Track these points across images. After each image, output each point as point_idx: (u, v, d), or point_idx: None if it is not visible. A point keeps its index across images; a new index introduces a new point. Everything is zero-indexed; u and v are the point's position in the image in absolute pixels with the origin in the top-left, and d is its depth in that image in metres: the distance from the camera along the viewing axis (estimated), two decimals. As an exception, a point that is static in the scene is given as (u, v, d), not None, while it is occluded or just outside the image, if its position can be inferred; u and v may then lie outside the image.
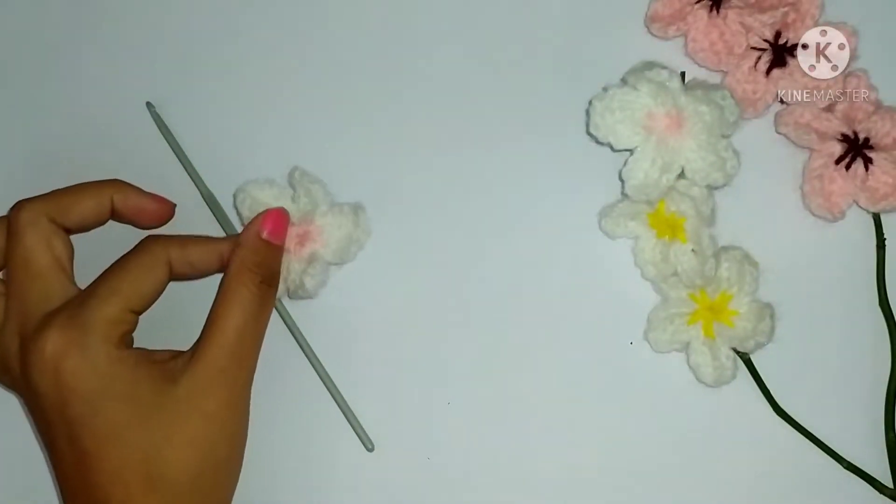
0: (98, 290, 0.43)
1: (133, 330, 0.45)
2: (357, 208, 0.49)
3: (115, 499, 0.42)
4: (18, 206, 0.45)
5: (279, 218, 0.46)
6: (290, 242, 0.47)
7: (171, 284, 0.46)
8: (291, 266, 0.47)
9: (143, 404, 0.42)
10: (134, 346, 0.45)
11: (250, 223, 0.46)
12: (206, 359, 0.43)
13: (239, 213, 0.49)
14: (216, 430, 0.43)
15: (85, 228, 0.47)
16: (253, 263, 0.45)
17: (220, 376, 0.43)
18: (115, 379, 0.42)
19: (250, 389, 0.45)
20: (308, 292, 0.47)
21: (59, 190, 0.46)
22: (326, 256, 0.48)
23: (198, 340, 0.44)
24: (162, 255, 0.45)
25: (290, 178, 0.48)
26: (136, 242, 0.46)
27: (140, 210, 0.47)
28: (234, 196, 0.48)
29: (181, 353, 0.45)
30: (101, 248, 0.47)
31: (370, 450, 0.48)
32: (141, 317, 0.45)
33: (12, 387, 0.46)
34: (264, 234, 0.45)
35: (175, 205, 0.49)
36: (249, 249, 0.45)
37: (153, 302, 0.45)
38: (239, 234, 0.46)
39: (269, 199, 0.48)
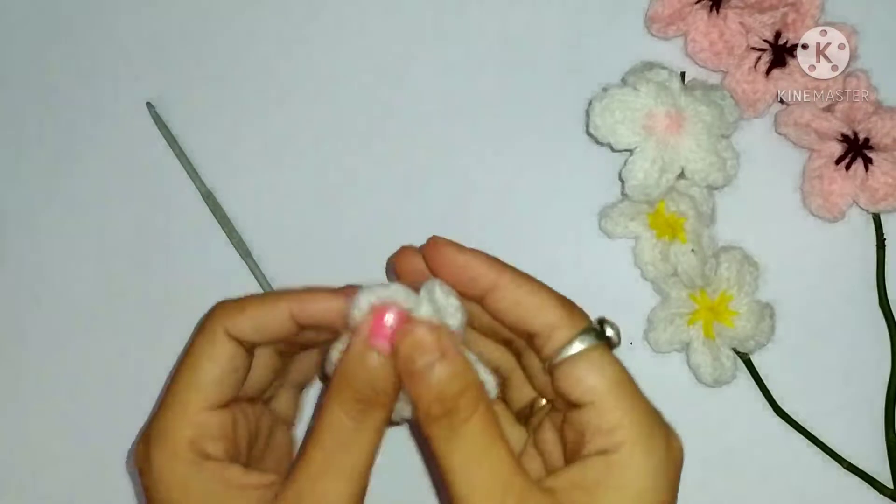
0: (167, 397, 0.37)
1: (216, 430, 0.37)
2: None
3: None
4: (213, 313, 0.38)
5: (399, 321, 0.35)
6: None
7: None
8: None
9: None
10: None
11: (360, 326, 0.35)
12: (290, 500, 0.35)
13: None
14: None
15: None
16: (355, 380, 0.34)
17: None
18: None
19: None
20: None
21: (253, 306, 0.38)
22: None
23: (290, 470, 0.36)
24: (218, 329, 0.37)
25: (429, 292, 0.36)
26: None
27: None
28: (355, 302, 0.35)
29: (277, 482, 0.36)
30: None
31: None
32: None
33: None
34: (376, 343, 0.34)
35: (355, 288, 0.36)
36: (353, 360, 0.35)
37: (238, 385, 0.38)
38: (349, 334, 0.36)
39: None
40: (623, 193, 0.47)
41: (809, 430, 0.47)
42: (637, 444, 0.34)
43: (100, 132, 0.52)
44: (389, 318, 0.34)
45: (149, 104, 0.51)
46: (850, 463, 0.47)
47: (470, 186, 0.50)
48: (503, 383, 0.40)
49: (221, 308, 0.37)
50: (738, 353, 0.47)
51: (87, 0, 0.52)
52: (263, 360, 0.39)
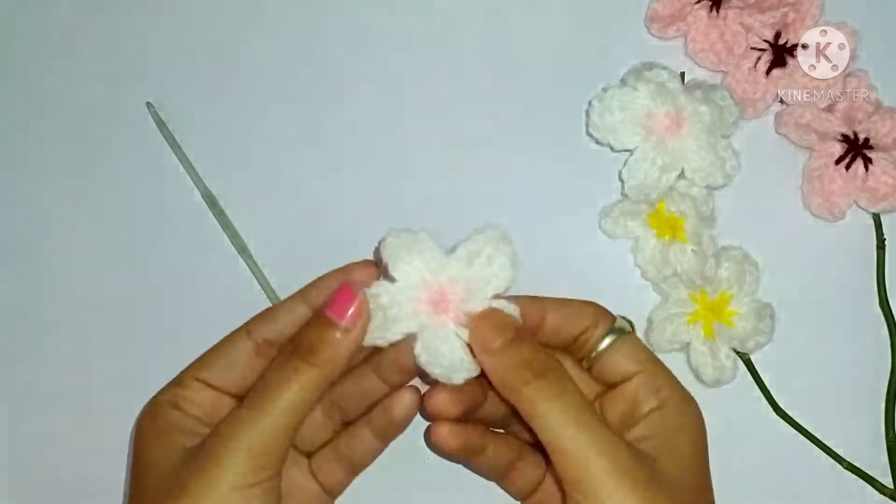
0: None
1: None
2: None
3: None
4: None
5: (343, 293, 0.40)
6: (423, 306, 0.40)
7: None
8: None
9: None
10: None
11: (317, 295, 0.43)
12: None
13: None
14: None
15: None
16: (296, 336, 0.41)
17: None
18: None
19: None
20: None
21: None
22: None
23: None
24: (240, 341, 0.43)
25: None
26: None
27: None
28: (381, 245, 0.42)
29: None
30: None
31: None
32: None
33: None
34: (327, 311, 0.40)
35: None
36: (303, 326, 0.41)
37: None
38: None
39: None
40: (623, 193, 0.47)
41: (809, 430, 0.47)
42: (678, 397, 0.42)
43: (100, 132, 0.52)
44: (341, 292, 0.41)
45: (149, 104, 0.51)
46: (850, 463, 0.47)
47: (470, 187, 0.50)
48: None
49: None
50: (738, 353, 0.47)
51: (87, 1, 0.53)
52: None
